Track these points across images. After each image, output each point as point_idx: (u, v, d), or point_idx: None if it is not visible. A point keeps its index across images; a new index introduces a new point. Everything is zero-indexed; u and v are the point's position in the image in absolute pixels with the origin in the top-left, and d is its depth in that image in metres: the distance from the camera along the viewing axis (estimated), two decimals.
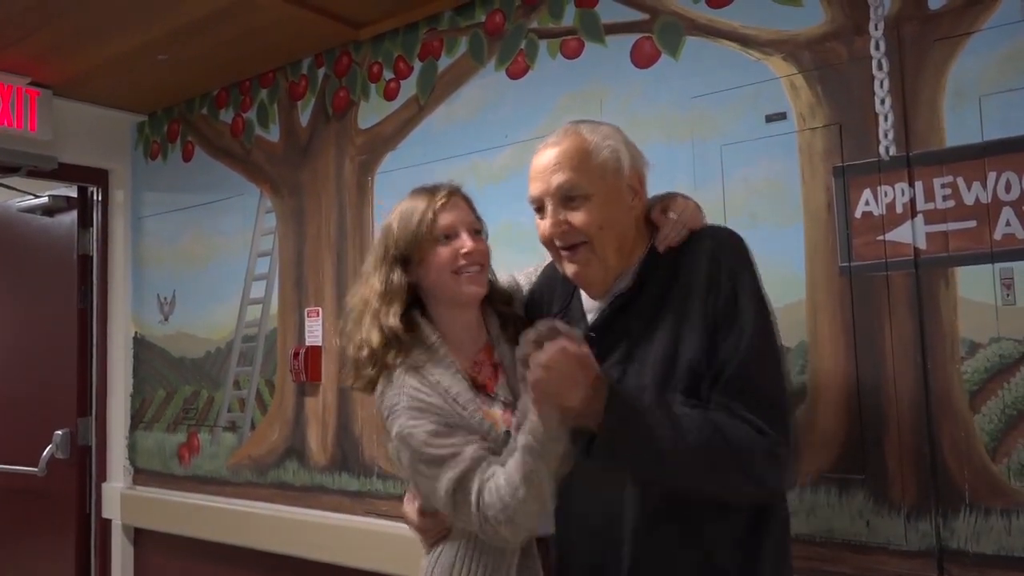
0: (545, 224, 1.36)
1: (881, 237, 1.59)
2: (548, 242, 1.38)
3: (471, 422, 1.36)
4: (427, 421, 1.35)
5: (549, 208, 1.35)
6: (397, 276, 1.44)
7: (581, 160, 1.33)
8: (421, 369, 1.40)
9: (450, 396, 1.38)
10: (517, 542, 1.33)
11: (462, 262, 1.42)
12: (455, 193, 1.49)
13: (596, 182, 1.32)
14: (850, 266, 1.63)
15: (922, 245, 1.55)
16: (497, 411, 1.43)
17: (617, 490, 1.31)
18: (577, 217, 1.32)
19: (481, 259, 1.45)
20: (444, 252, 1.43)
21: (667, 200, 1.42)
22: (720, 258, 1.29)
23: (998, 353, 1.47)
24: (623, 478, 1.31)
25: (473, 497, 1.29)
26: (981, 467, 1.47)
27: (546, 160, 1.35)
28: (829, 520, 1.62)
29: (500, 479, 1.27)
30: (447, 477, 1.31)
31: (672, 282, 1.32)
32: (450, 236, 1.44)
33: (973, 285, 1.50)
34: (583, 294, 1.44)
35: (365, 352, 1.43)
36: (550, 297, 1.52)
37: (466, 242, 1.43)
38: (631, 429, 1.19)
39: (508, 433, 1.38)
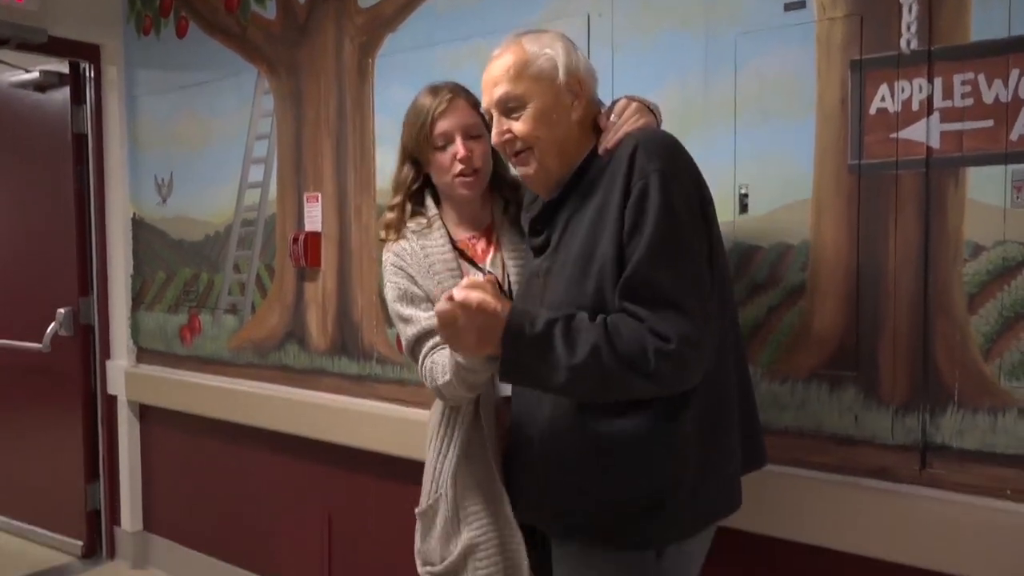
0: (492, 135, 1.45)
1: (894, 135, 1.55)
2: (499, 149, 1.48)
3: (437, 293, 1.52)
4: (400, 281, 1.59)
5: (495, 119, 1.43)
6: (406, 171, 1.64)
7: (518, 71, 1.39)
8: (415, 234, 1.62)
9: (427, 264, 1.58)
10: (456, 403, 1.55)
11: (457, 168, 1.56)
12: (457, 96, 1.60)
13: (533, 90, 1.39)
14: (860, 164, 1.60)
15: (936, 144, 1.52)
16: (476, 278, 1.58)
17: None
18: (517, 126, 1.40)
19: (476, 163, 1.57)
20: (441, 159, 1.58)
21: (613, 104, 1.46)
22: (636, 160, 1.31)
23: (1001, 256, 1.46)
24: None
25: (420, 359, 1.54)
26: (973, 367, 1.50)
27: (489, 74, 1.43)
28: (818, 414, 1.66)
29: (441, 358, 1.48)
30: (407, 334, 1.57)
31: (599, 182, 1.38)
32: (447, 142, 1.57)
33: (983, 187, 1.48)
34: None
35: (382, 227, 1.68)
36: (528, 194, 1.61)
37: (459, 149, 1.56)
38: (524, 357, 1.29)
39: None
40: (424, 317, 1.54)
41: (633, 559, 1.35)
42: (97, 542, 3.45)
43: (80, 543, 3.42)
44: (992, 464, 1.48)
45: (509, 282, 1.60)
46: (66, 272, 3.36)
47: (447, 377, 1.45)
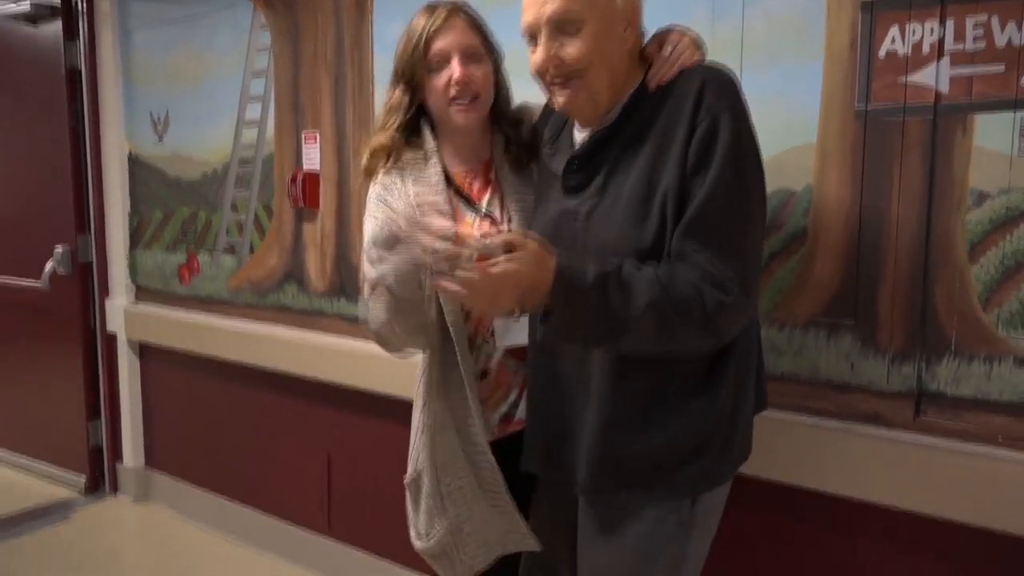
0: (538, 56, 1.30)
1: (903, 79, 1.52)
2: (540, 73, 1.33)
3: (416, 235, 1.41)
4: (380, 218, 1.44)
5: (542, 38, 1.29)
6: (398, 94, 1.49)
7: None
8: (404, 170, 1.48)
9: (415, 204, 1.43)
10: (397, 350, 1.46)
11: (453, 92, 1.43)
12: (454, 13, 1.47)
13: (590, 9, 1.26)
14: (866, 109, 1.57)
15: (945, 89, 1.49)
16: (472, 219, 1.48)
17: None
18: (570, 50, 1.27)
19: (474, 88, 1.44)
20: (436, 82, 1.45)
21: (663, 34, 1.37)
22: (704, 97, 1.24)
23: (1005, 204, 1.45)
24: None
25: (369, 302, 1.43)
26: (971, 316, 1.50)
27: None
28: (815, 361, 1.66)
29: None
30: (370, 274, 1.43)
31: (656, 118, 1.29)
32: (442, 63, 1.44)
33: (990, 134, 1.45)
34: (575, 125, 1.42)
35: (368, 152, 1.53)
36: (542, 128, 1.52)
37: (456, 70, 1.43)
38: (575, 312, 1.19)
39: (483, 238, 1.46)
40: (397, 256, 1.39)
41: (671, 507, 1.33)
42: (100, 478, 3.51)
43: (83, 478, 3.48)
44: (986, 412, 1.49)
45: (509, 226, 1.51)
46: (62, 210, 3.34)
47: (382, 316, 1.35)
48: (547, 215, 1.40)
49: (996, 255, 1.47)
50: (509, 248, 1.16)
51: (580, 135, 1.40)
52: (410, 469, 1.54)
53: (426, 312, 1.36)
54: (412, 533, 1.57)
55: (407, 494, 1.56)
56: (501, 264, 1.14)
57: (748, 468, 1.68)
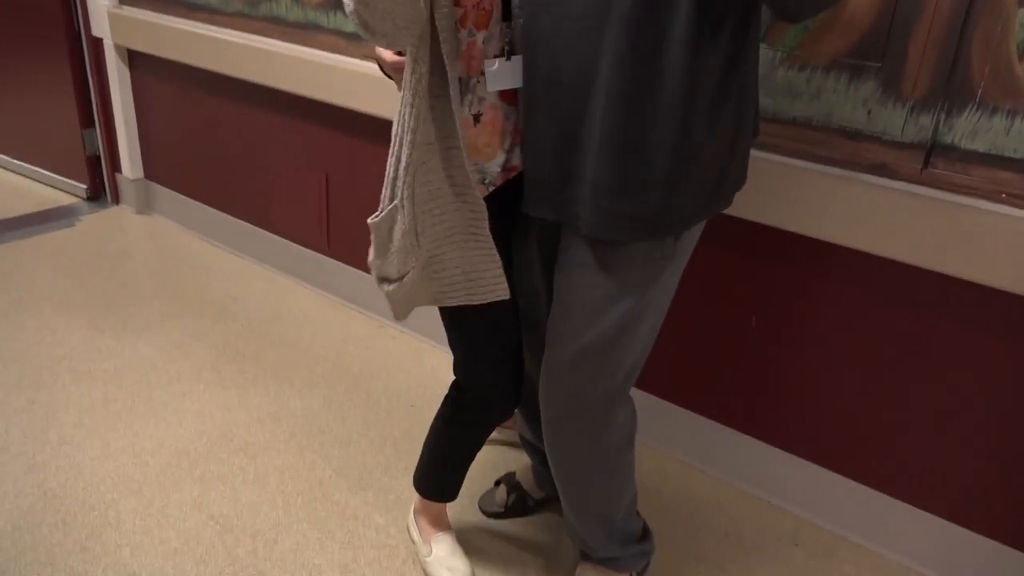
0: None
1: None
2: None
3: None
4: None
5: None
6: None
7: None
8: None
9: None
10: (381, 32, 1.18)
11: None
12: None
13: None
14: None
15: None
16: None
17: (593, 43, 1.20)
18: None
19: None
20: None
21: None
22: None
23: None
24: (596, 35, 1.18)
25: None
26: (1005, 66, 1.41)
27: None
28: (831, 105, 1.59)
29: None
30: None
31: None
32: None
33: None
34: None
35: None
36: None
37: None
38: None
39: None
40: None
41: (657, 244, 1.31)
42: (100, 186, 3.54)
43: (84, 186, 3.51)
44: (995, 167, 1.46)
45: None
46: None
47: None
48: None
49: None
50: None
51: None
52: (381, 208, 1.44)
53: None
54: (375, 275, 1.48)
55: (372, 236, 1.46)
56: None
57: (745, 211, 1.70)
